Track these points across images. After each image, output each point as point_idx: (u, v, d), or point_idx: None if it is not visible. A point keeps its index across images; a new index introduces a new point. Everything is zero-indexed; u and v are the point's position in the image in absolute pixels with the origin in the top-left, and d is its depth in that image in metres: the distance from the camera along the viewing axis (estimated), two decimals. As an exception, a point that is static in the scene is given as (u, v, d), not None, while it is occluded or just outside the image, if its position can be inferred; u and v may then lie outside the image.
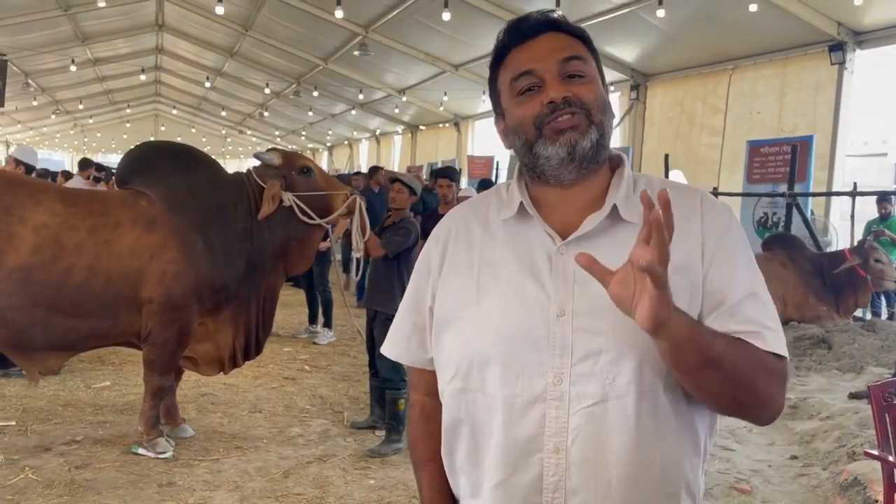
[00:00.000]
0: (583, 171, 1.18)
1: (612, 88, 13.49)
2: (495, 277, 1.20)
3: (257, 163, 4.40)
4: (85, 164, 10.36)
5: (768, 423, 1.17)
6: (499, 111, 1.27)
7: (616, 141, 13.96)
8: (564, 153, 1.16)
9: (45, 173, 11.25)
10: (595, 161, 1.19)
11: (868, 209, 9.15)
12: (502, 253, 1.22)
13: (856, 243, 7.87)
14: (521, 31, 1.22)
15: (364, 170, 20.41)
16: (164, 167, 4.15)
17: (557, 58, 1.18)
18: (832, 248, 8.61)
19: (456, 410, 1.22)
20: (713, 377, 1.07)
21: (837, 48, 9.30)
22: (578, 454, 1.12)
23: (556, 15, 1.24)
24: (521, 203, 1.22)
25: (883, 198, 8.81)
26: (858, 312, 7.96)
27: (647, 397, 1.11)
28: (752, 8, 8.43)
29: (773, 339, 1.11)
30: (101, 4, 11.60)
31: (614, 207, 1.18)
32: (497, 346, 1.16)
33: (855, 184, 8.57)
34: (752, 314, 1.12)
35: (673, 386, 1.12)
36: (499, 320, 1.17)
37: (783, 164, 8.95)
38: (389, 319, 4.87)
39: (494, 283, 1.20)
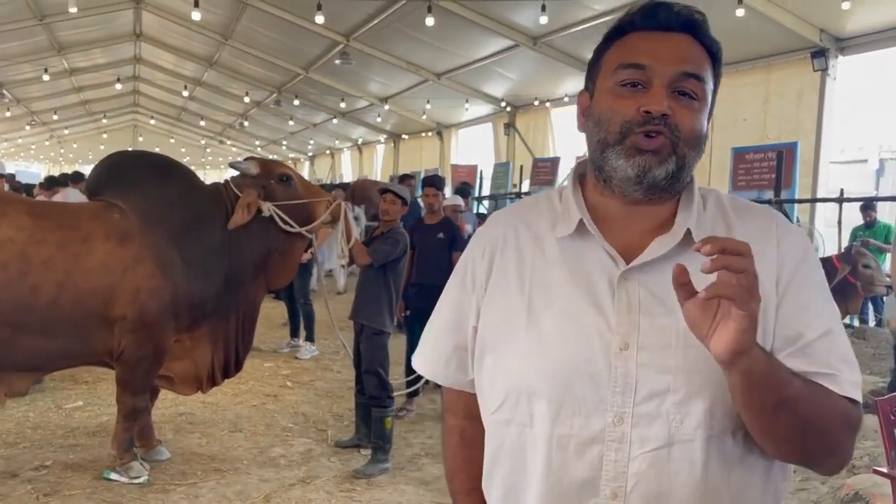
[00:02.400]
0: (650, 195, 1.06)
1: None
2: (549, 301, 1.08)
3: (237, 173, 4.24)
4: (78, 177, 10.28)
5: (833, 474, 1.06)
6: (589, 87, 1.14)
7: (600, 149, 13.97)
8: (633, 174, 1.05)
9: (19, 186, 11.00)
10: (667, 192, 1.07)
11: (851, 216, 9.14)
12: (557, 274, 1.09)
13: (842, 250, 7.83)
14: (657, 19, 1.08)
15: (347, 180, 20.32)
16: (137, 178, 3.97)
17: (678, 69, 1.05)
18: (819, 255, 8.58)
19: (498, 442, 1.12)
20: (785, 420, 0.95)
21: (820, 55, 9.32)
22: (639, 502, 1.01)
23: (696, 16, 1.09)
24: (581, 220, 1.10)
25: (867, 205, 8.81)
26: (846, 319, 7.91)
27: (716, 443, 1.00)
28: (739, 13, 8.41)
29: (849, 384, 1.00)
30: (73, 10, 11.34)
31: (687, 232, 1.06)
32: (550, 378, 1.05)
33: (842, 190, 8.56)
34: (828, 355, 1.01)
35: (742, 429, 1.00)
36: (553, 351, 1.05)
37: (768, 171, 8.92)
38: (376, 333, 4.70)
39: (548, 307, 1.08)
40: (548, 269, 1.10)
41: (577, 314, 1.05)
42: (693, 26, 1.08)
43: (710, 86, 1.08)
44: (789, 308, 1.03)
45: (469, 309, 1.16)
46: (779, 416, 0.95)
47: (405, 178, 10.41)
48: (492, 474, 1.15)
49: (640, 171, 1.04)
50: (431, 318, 1.25)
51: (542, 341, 1.06)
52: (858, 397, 1.01)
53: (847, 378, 1.01)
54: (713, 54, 1.09)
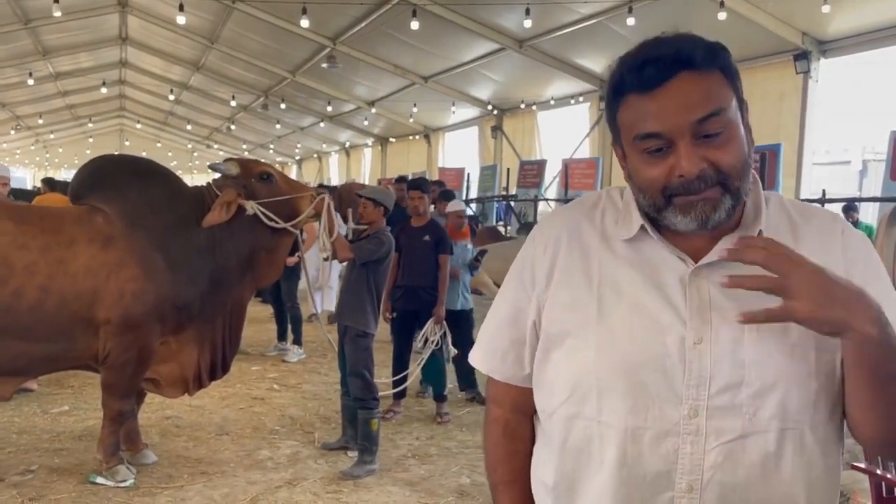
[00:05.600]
0: (717, 228, 1.06)
1: (580, 100, 13.68)
2: (619, 296, 1.09)
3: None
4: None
5: None
6: (618, 143, 1.12)
7: (586, 152, 14.07)
8: (695, 226, 1.05)
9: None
10: (728, 221, 1.07)
11: (835, 217, 9.24)
12: (626, 271, 1.10)
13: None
14: (647, 77, 1.02)
15: (334, 183, 20.28)
16: (121, 181, 3.97)
17: (692, 118, 1.00)
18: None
19: (563, 437, 1.12)
20: (892, 393, 0.97)
21: (802, 57, 9.43)
22: (715, 494, 1.02)
23: (682, 46, 1.02)
24: (642, 225, 1.10)
25: (850, 206, 8.92)
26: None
27: (791, 434, 1.02)
28: (721, 16, 8.49)
29: None
30: (57, 14, 11.31)
31: (759, 233, 1.07)
32: (623, 371, 1.06)
33: (824, 191, 8.67)
34: None
35: (819, 422, 1.03)
36: (625, 344, 1.06)
37: (752, 173, 9.01)
38: (360, 335, 4.71)
39: (619, 302, 1.08)
40: (616, 266, 1.11)
41: (649, 310, 1.06)
42: (685, 62, 1.02)
43: (732, 103, 1.04)
44: None
45: (528, 305, 1.16)
46: (887, 388, 0.96)
47: (401, 181, 10.32)
48: (548, 468, 1.15)
49: (701, 221, 1.04)
50: (489, 315, 1.26)
51: (613, 336, 1.07)
52: None
53: None
54: (719, 64, 1.04)
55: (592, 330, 1.09)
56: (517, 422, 1.23)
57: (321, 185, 9.45)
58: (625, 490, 1.06)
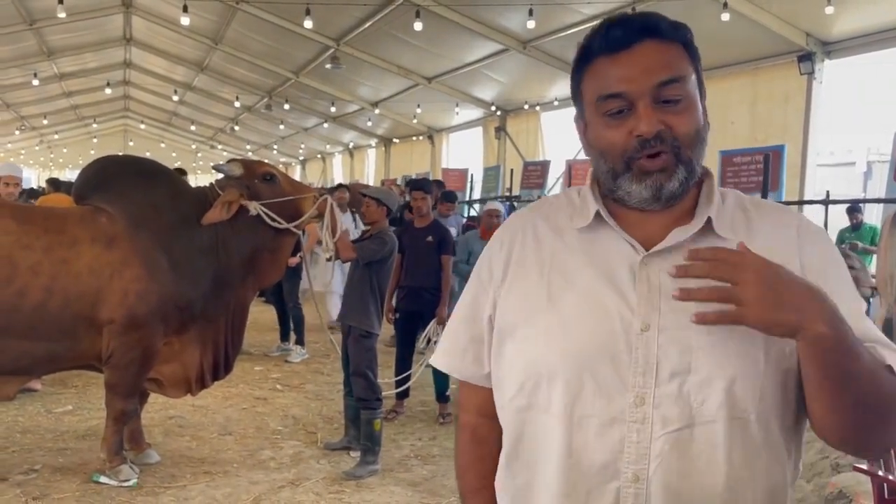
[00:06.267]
0: (668, 205, 1.08)
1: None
2: (569, 284, 1.09)
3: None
4: None
5: (878, 457, 1.09)
6: (580, 115, 1.15)
7: (590, 152, 14.01)
8: (649, 195, 1.07)
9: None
10: (682, 196, 1.09)
11: (838, 218, 9.21)
12: (577, 259, 1.10)
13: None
14: (613, 39, 1.06)
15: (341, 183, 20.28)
16: (124, 182, 3.99)
17: (653, 81, 1.04)
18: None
19: (518, 431, 1.11)
20: (852, 393, 0.95)
21: (806, 58, 9.39)
22: (661, 484, 1.01)
23: (650, 17, 1.07)
24: (598, 212, 1.11)
25: (854, 208, 8.88)
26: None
27: (738, 424, 1.01)
28: (725, 17, 8.47)
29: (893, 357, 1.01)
30: (61, 15, 11.34)
31: (708, 220, 1.08)
32: (570, 359, 1.05)
33: (828, 192, 8.63)
34: (875, 334, 1.03)
35: (767, 412, 1.02)
36: (573, 332, 1.06)
37: (756, 174, 8.98)
38: (364, 335, 4.72)
39: (568, 290, 1.08)
40: (567, 255, 1.11)
41: (598, 296, 1.06)
42: (651, 30, 1.06)
43: (691, 77, 1.07)
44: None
45: (485, 300, 1.17)
46: (844, 387, 0.95)
47: (408, 184, 10.29)
48: (510, 466, 1.14)
49: (655, 190, 1.06)
50: (453, 311, 1.26)
51: (562, 323, 1.07)
52: None
53: (889, 353, 1.01)
54: (683, 41, 1.08)
55: (542, 319, 1.08)
56: (484, 426, 1.22)
57: (339, 185, 9.46)
58: (571, 480, 1.04)
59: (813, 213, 10.05)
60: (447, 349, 1.24)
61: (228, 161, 4.40)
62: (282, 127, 23.16)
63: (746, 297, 0.91)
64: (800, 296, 0.92)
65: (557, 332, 1.06)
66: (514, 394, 1.10)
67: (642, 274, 1.05)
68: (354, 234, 5.04)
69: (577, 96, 1.14)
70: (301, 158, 30.75)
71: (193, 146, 31.72)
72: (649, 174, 1.05)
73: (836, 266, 1.09)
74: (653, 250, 1.06)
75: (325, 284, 7.37)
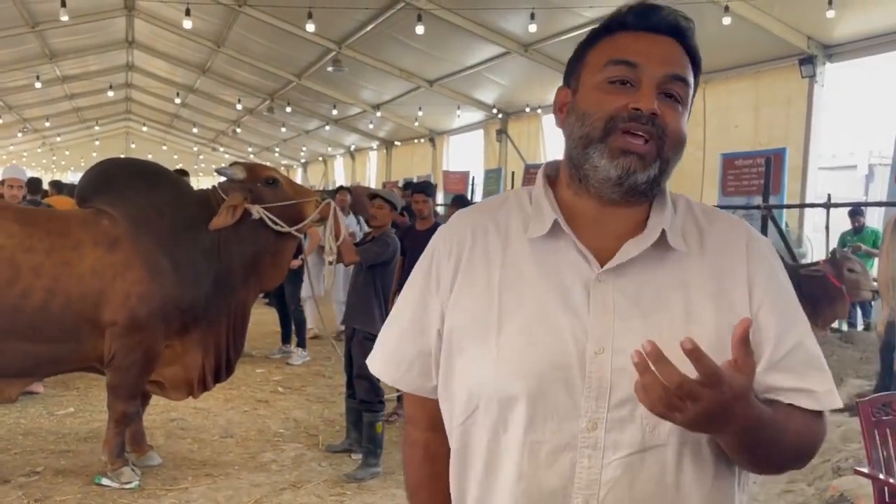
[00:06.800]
0: (627, 197, 1.06)
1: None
2: (520, 302, 1.05)
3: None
4: None
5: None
6: (571, 83, 1.13)
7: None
8: (615, 175, 1.04)
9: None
10: (644, 195, 1.07)
11: (840, 221, 9.21)
12: (528, 273, 1.06)
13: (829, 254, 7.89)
14: (647, 20, 1.07)
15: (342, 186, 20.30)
16: (126, 184, 4.00)
17: (667, 71, 1.05)
18: (807, 260, 8.65)
19: (467, 448, 1.09)
20: (764, 450, 1.00)
21: (808, 62, 9.40)
22: None
23: (683, 22, 1.10)
24: (555, 221, 1.07)
25: (856, 211, 8.88)
26: (835, 324, 7.96)
27: (690, 449, 1.01)
28: (726, 21, 8.49)
29: (826, 397, 1.04)
30: (64, 18, 11.37)
31: (662, 233, 1.06)
32: (522, 383, 1.01)
33: (829, 195, 8.63)
34: (805, 367, 1.04)
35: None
36: (525, 354, 1.02)
37: (757, 177, 8.99)
38: (368, 338, 4.74)
39: (519, 308, 1.04)
40: (519, 269, 1.07)
41: (551, 317, 1.02)
42: (680, 31, 1.09)
43: (690, 91, 1.08)
44: (764, 321, 1.04)
45: (434, 311, 1.11)
46: (758, 449, 0.99)
47: (408, 187, 10.24)
48: (463, 478, 1.10)
49: (623, 172, 1.02)
50: (392, 315, 1.19)
51: (514, 344, 1.03)
52: (837, 403, 1.04)
53: (823, 390, 1.04)
54: (695, 61, 1.10)
55: (492, 340, 1.04)
56: (437, 442, 1.16)
57: (341, 188, 9.47)
58: None
59: (814, 217, 10.06)
60: (389, 357, 1.17)
61: (231, 164, 4.42)
62: (283, 129, 23.19)
63: (687, 414, 0.89)
64: (731, 417, 0.92)
65: (510, 353, 1.03)
66: (466, 414, 1.07)
67: (596, 292, 1.02)
68: (359, 236, 5.04)
69: (576, 62, 1.12)
70: (303, 161, 30.77)
71: (195, 148, 31.75)
72: (626, 154, 1.02)
73: (782, 285, 1.09)
74: (606, 267, 1.03)
75: (326, 289, 7.38)
